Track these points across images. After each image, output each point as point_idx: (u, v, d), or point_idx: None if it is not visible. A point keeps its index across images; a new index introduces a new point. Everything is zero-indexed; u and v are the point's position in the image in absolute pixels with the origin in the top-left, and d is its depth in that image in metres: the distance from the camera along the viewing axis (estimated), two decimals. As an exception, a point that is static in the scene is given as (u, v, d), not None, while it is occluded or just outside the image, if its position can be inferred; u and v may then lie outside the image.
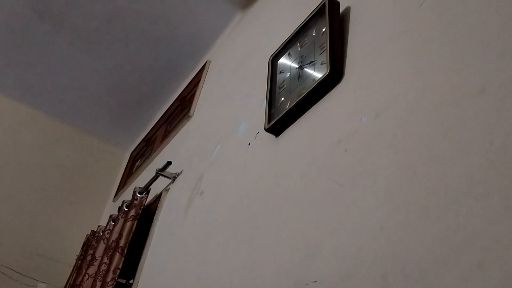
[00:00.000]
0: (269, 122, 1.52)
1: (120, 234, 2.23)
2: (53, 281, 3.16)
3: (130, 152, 3.92)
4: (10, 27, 3.11)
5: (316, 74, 1.39)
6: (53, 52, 3.25)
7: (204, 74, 2.89)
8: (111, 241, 2.27)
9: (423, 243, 0.79)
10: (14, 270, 3.08)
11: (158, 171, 2.34)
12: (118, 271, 2.12)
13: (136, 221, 2.26)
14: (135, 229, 2.26)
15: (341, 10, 1.46)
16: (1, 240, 3.15)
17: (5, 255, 3.10)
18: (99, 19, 3.00)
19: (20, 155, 3.49)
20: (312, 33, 1.53)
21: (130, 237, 2.21)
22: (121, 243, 2.19)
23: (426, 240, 0.79)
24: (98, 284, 2.13)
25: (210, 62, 2.97)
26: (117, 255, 2.16)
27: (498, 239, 0.68)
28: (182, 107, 3.12)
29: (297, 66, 1.55)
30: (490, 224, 0.70)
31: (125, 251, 2.17)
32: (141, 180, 2.90)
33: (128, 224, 2.25)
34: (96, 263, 2.33)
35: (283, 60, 1.66)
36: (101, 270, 2.19)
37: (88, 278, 2.30)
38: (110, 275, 2.11)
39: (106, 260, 2.21)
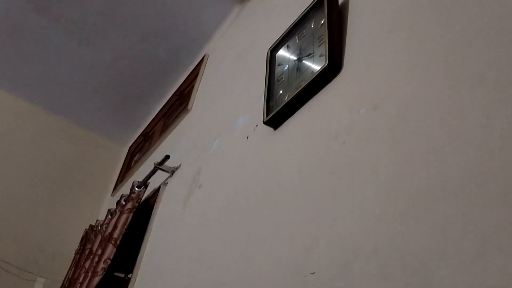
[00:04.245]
0: (267, 115, 1.52)
1: (115, 226, 2.23)
2: (52, 276, 3.16)
3: (129, 146, 3.92)
4: (7, 21, 3.09)
5: (315, 66, 1.39)
6: (50, 46, 3.23)
7: (202, 67, 2.88)
8: (106, 233, 2.27)
9: (422, 234, 0.79)
10: (13, 265, 3.07)
11: (156, 165, 2.33)
12: (109, 262, 2.12)
13: (131, 214, 2.25)
14: (133, 223, 2.26)
15: (339, 2, 1.45)
16: (0, 234, 3.15)
17: (4, 250, 3.10)
18: (97, 13, 2.99)
19: (18, 150, 3.48)
20: (311, 25, 1.52)
21: (124, 229, 2.20)
22: (115, 235, 2.19)
23: (425, 231, 0.78)
24: (89, 274, 2.13)
25: (208, 55, 2.96)
26: (110, 246, 2.16)
27: (498, 229, 0.68)
28: (180, 101, 3.11)
29: (295, 58, 1.54)
30: (489, 214, 0.70)
31: (118, 243, 2.16)
32: (139, 174, 2.89)
33: (124, 216, 2.25)
34: (93, 257, 2.33)
35: (282, 53, 1.66)
36: (94, 262, 2.19)
37: (85, 272, 2.30)
38: (101, 265, 2.11)
39: (99, 251, 2.21)
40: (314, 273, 0.97)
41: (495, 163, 0.73)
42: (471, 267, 0.68)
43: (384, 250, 0.84)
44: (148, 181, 2.41)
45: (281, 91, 1.53)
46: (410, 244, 0.80)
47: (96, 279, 2.08)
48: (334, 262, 0.94)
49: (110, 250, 2.15)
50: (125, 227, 2.22)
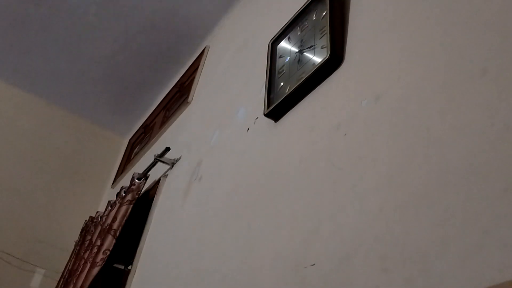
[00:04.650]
0: (268, 107, 1.51)
1: (115, 217, 2.23)
2: (51, 267, 3.16)
3: (129, 138, 3.91)
4: (7, 11, 3.08)
5: (316, 58, 1.38)
6: (50, 38, 3.22)
7: (203, 59, 2.87)
8: (105, 225, 2.27)
9: (422, 226, 0.78)
10: (13, 256, 3.08)
11: (156, 157, 2.33)
12: (108, 252, 2.12)
13: (131, 206, 2.26)
14: (133, 214, 2.26)
15: (341, -6, 1.44)
16: (0, 225, 3.15)
17: (4, 241, 3.10)
18: (97, 3, 2.97)
19: (18, 141, 3.48)
20: (312, 17, 1.51)
21: (124, 221, 2.21)
22: (114, 226, 2.19)
23: (425, 223, 0.78)
24: (88, 265, 2.14)
25: (209, 47, 2.94)
26: (109, 237, 2.16)
27: (498, 222, 0.68)
28: (180, 93, 3.10)
29: (297, 50, 1.54)
30: (489, 206, 0.70)
31: (118, 234, 2.17)
32: (139, 166, 2.89)
33: (123, 208, 2.25)
34: (92, 248, 2.33)
35: (283, 45, 1.65)
36: (92, 253, 2.19)
37: (84, 263, 2.31)
38: (100, 256, 2.11)
39: (98, 242, 2.21)
40: (314, 264, 0.97)
41: (496, 156, 0.73)
42: (471, 260, 0.68)
43: (384, 242, 0.84)
44: (148, 173, 2.41)
45: (282, 83, 1.53)
46: (410, 236, 0.80)
47: (95, 270, 2.09)
48: (334, 253, 0.94)
49: (109, 241, 2.15)
50: (125, 218, 2.22)
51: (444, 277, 0.71)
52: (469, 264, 0.68)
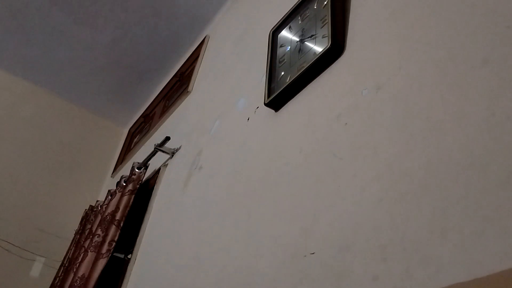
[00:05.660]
0: (268, 96, 1.51)
1: (117, 208, 2.24)
2: (51, 256, 3.18)
3: (129, 128, 3.91)
4: (7, 2, 3.06)
5: (317, 47, 1.37)
6: (50, 26, 3.21)
7: (203, 49, 2.86)
8: (106, 214, 2.28)
9: (422, 215, 0.79)
10: (13, 245, 3.09)
11: (156, 146, 2.33)
12: (114, 244, 2.13)
13: (133, 196, 2.26)
14: (133, 204, 2.26)
15: (343, -17, 1.43)
16: (0, 214, 3.16)
17: (5, 229, 3.11)
18: (97, -8, 2.96)
19: (18, 130, 3.48)
20: (314, 6, 1.50)
21: (127, 211, 2.21)
22: (118, 216, 2.19)
23: (426, 212, 0.78)
24: (91, 255, 2.14)
25: (209, 37, 2.93)
26: (113, 228, 2.17)
27: (498, 210, 0.68)
28: (180, 82, 3.09)
29: (298, 39, 1.53)
30: (490, 195, 0.70)
31: (121, 224, 2.17)
32: (139, 156, 2.90)
33: (125, 198, 2.25)
34: (92, 237, 2.34)
35: (284, 34, 1.64)
36: (93, 242, 2.20)
37: (84, 251, 2.32)
38: (105, 247, 2.11)
39: (99, 232, 2.22)
40: (314, 253, 0.98)
41: (496, 145, 0.73)
42: (471, 248, 0.68)
43: (384, 231, 0.84)
44: (148, 163, 2.41)
45: (282, 73, 1.52)
46: (410, 225, 0.80)
47: (102, 262, 2.08)
48: (334, 242, 0.94)
49: (113, 232, 2.16)
50: (128, 209, 2.23)
51: (444, 266, 0.71)
52: (468, 253, 0.68)
